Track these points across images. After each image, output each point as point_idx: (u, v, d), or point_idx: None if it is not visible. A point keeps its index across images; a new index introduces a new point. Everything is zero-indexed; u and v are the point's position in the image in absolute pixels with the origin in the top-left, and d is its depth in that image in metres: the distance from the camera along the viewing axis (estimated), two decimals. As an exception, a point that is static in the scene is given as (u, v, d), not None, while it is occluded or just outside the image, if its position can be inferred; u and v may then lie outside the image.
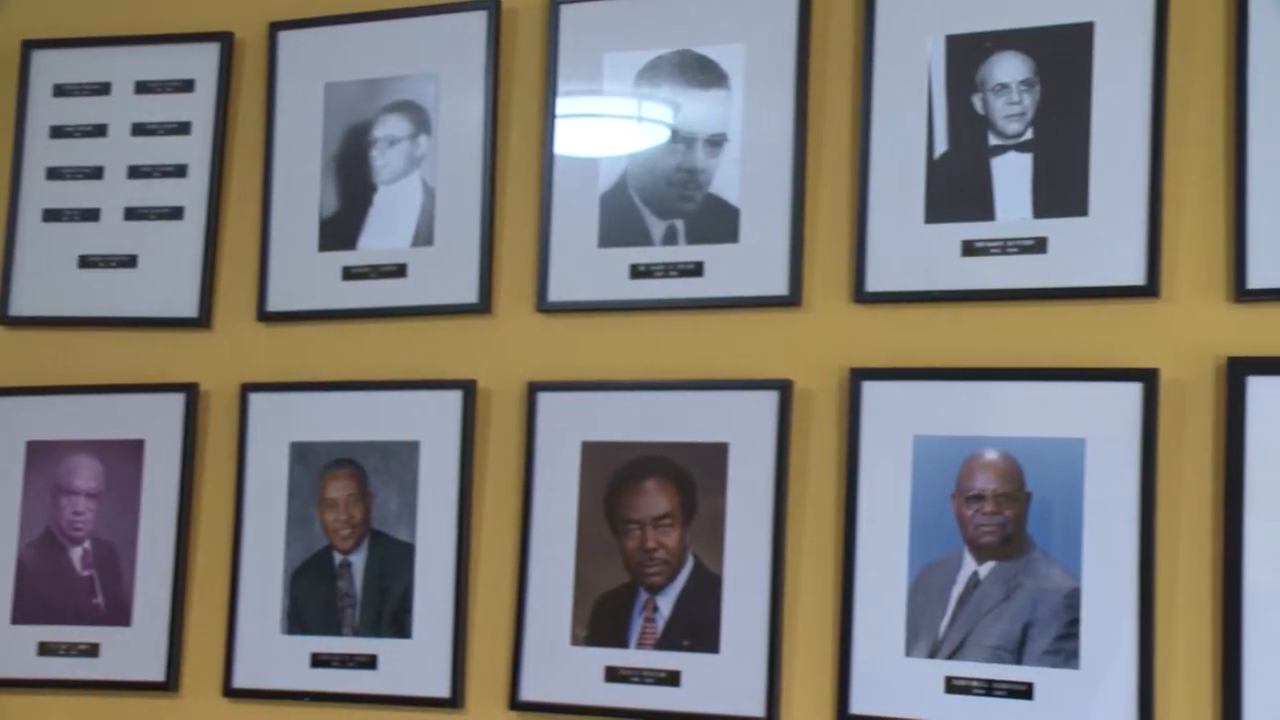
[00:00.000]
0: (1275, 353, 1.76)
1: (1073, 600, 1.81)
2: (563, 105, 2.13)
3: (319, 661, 2.15)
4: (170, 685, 2.21)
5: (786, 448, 1.96)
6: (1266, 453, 1.74)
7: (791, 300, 1.98)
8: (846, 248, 1.97)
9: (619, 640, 2.02)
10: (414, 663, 2.10)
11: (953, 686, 1.85)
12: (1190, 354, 1.81)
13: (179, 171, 2.31)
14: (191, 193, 2.30)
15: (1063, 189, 1.87)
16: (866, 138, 1.96)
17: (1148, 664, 1.77)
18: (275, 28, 2.28)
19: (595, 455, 2.06)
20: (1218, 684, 1.75)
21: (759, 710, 1.93)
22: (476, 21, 2.17)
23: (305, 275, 2.23)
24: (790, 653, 1.94)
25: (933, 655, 1.86)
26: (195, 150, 2.30)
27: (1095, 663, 1.79)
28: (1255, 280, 1.77)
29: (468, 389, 2.12)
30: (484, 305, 2.14)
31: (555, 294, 2.10)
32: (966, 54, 1.93)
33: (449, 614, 2.09)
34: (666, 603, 2.00)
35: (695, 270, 2.04)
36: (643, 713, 1.98)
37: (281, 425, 2.21)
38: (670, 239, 2.06)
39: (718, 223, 2.03)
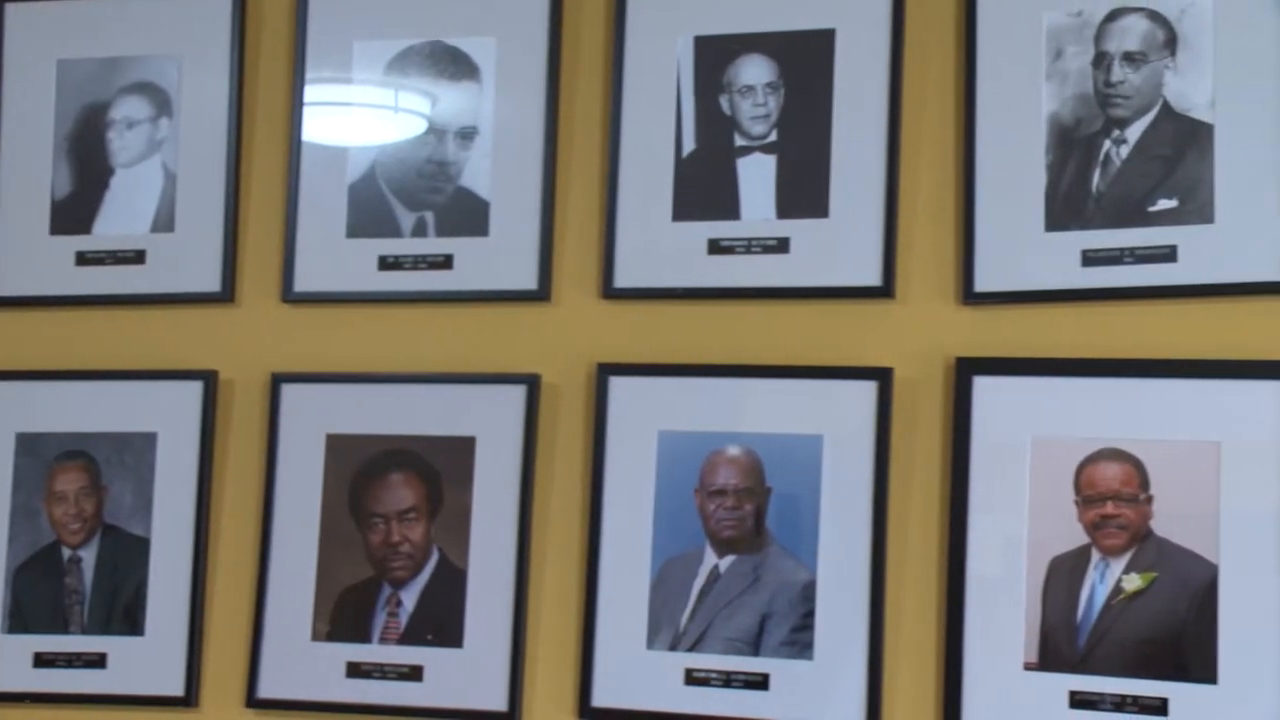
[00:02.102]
0: (999, 353, 1.84)
1: (809, 592, 1.86)
2: (311, 93, 2.09)
3: (43, 661, 2.07)
4: (-121, 689, 2.10)
5: (534, 442, 1.96)
6: (989, 449, 1.81)
7: (540, 295, 1.98)
8: (595, 243, 1.99)
9: (361, 635, 1.99)
10: (146, 661, 2.04)
11: (692, 678, 1.88)
12: (922, 354, 1.88)
13: (-106, 148, 2.19)
14: (-92, 170, 2.18)
15: (805, 191, 1.92)
16: (616, 135, 1.98)
17: (877, 653, 1.82)
18: (1, 1, 2.18)
19: (340, 448, 2.03)
20: (941, 671, 1.82)
21: (501, 704, 1.93)
22: (221, 3, 2.11)
23: (35, 259, 2.14)
24: (534, 646, 1.95)
25: (673, 648, 1.89)
26: (-88, 126, 2.19)
27: (828, 653, 1.84)
28: (982, 284, 1.85)
29: (208, 379, 2.07)
30: (227, 294, 2.08)
31: (301, 284, 2.06)
32: (714, 55, 1.97)
33: (184, 610, 2.04)
34: (410, 597, 1.99)
35: (444, 263, 2.02)
36: (384, 708, 1.97)
37: (7, 415, 2.12)
38: (420, 231, 2.04)
39: (468, 216, 2.02)
